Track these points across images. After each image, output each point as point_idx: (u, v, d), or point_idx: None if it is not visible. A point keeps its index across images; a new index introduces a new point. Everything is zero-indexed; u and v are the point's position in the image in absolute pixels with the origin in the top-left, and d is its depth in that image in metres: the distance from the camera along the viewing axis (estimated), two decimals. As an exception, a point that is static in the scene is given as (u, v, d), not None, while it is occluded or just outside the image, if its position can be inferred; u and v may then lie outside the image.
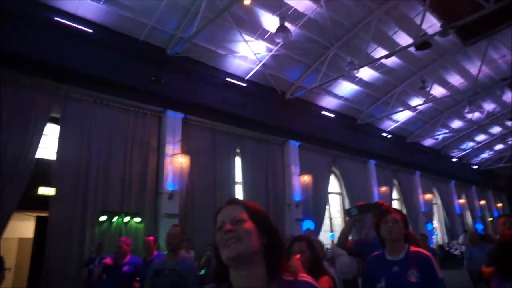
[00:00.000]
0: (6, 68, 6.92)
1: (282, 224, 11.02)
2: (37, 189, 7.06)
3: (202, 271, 6.36)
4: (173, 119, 9.27)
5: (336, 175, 14.41)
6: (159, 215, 8.41)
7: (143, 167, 8.51)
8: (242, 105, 10.59)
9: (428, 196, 18.15)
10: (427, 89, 13.26)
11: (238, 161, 10.82)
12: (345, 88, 13.03)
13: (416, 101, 14.73)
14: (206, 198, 9.42)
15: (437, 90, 14.47)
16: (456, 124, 18.02)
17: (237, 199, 1.11)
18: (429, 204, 18.12)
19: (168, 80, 9.09)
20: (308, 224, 11.40)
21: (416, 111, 15.68)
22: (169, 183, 8.63)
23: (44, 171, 7.31)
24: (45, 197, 7.12)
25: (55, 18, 7.68)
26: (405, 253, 2.07)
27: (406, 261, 2.04)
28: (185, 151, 9.13)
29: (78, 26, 7.96)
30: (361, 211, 2.37)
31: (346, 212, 2.47)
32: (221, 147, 10.30)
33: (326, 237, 12.87)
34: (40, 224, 7.30)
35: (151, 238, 4.49)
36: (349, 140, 13.99)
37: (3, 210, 6.48)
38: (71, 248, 6.99)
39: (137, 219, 7.98)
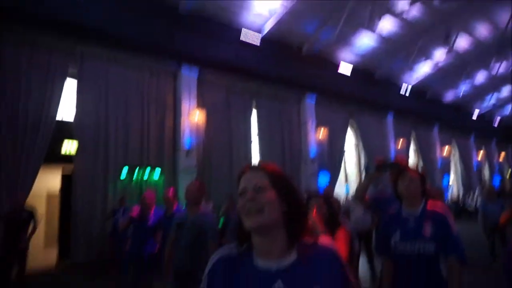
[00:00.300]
0: (23, 27, 6.91)
1: (298, 179, 11.21)
2: (61, 145, 7.31)
3: (221, 220, 6.65)
4: (188, 76, 9.22)
5: (353, 129, 14.28)
6: (178, 170, 8.66)
7: (161, 124, 8.66)
8: (257, 61, 10.37)
9: (445, 150, 17.95)
10: (452, 41, 12.60)
11: (253, 118, 10.82)
12: (364, 41, 12.48)
13: (438, 54, 14.07)
14: (222, 153, 9.60)
15: (462, 42, 13.72)
16: (480, 78, 17.29)
17: (260, 164, 1.09)
18: (447, 159, 17.97)
19: (182, 38, 8.91)
20: (323, 176, 11.54)
21: (438, 65, 15.05)
22: (187, 140, 8.78)
23: (67, 128, 7.52)
24: (69, 154, 7.39)
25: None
26: (421, 210, 2.10)
27: (422, 217, 2.07)
28: (201, 108, 9.16)
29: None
30: (380, 169, 2.38)
31: (365, 169, 2.48)
32: (237, 104, 10.28)
33: (341, 189, 13.05)
34: (66, 178, 7.65)
35: (171, 191, 4.64)
36: (367, 94, 13.67)
37: (30, 165, 6.83)
38: (95, 200, 7.39)
39: (157, 173, 8.25)
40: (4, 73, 6.75)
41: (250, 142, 10.52)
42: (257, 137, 10.74)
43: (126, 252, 4.70)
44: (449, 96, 18.29)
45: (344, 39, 11.68)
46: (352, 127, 14.18)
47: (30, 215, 5.61)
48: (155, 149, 8.42)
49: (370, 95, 13.78)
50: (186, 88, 9.12)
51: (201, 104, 9.35)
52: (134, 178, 8.02)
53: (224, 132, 9.80)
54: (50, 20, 7.10)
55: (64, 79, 7.48)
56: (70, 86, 7.91)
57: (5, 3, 6.58)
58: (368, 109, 14.09)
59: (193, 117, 8.92)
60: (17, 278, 5.35)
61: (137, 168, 8.01)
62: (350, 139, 14.31)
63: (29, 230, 5.54)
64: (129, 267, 4.56)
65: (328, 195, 2.54)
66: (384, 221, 2.24)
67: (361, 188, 2.71)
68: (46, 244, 9.10)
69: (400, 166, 2.33)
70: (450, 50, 13.43)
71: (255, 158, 10.58)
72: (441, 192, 6.90)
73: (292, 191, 1.06)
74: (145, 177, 8.13)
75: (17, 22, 6.87)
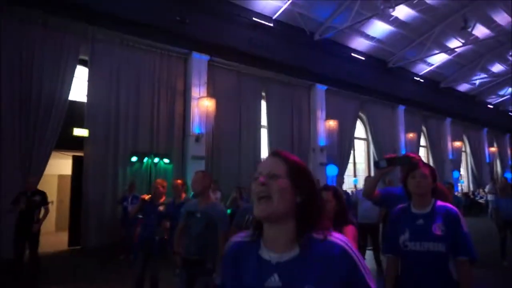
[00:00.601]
0: (35, 9, 6.91)
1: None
2: (72, 130, 7.37)
3: (228, 211, 6.68)
4: (199, 61, 9.15)
5: (362, 120, 14.15)
6: (187, 157, 8.69)
7: (170, 110, 8.65)
8: (268, 47, 10.23)
9: (457, 143, 17.69)
10: (469, 29, 12.26)
11: (263, 104, 10.75)
12: (379, 28, 12.24)
13: (455, 43, 13.74)
14: (231, 140, 9.58)
15: (480, 30, 13.33)
16: (497, 68, 16.87)
17: (281, 151, 1.06)
18: (458, 152, 17.72)
19: (193, 21, 8.80)
20: (331, 169, 11.51)
21: (454, 54, 14.70)
22: (196, 126, 8.78)
23: (78, 113, 7.56)
24: (80, 138, 7.47)
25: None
26: (432, 207, 2.05)
27: (432, 214, 2.02)
28: (211, 94, 9.13)
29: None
30: (390, 163, 2.33)
31: (375, 164, 2.43)
32: (247, 90, 10.20)
33: (349, 181, 13.02)
34: (77, 162, 7.75)
35: (179, 181, 4.66)
36: (379, 84, 13.48)
37: (42, 148, 6.91)
38: (105, 185, 7.47)
39: (166, 160, 8.29)
40: (17, 52, 6.78)
41: (260, 128, 10.49)
42: (266, 123, 10.68)
43: (136, 237, 4.77)
44: (463, 87, 17.92)
45: (359, 25, 11.45)
46: (362, 118, 14.04)
47: (42, 198, 5.70)
48: (164, 135, 8.44)
49: (382, 85, 13.57)
50: (197, 72, 9.07)
51: (211, 89, 9.30)
52: (143, 165, 8.07)
53: (235, 117, 9.77)
54: (63, 1, 7.08)
55: (76, 61, 7.48)
56: (82, 71, 7.91)
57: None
58: (379, 99, 13.90)
59: (203, 102, 8.89)
60: (29, 261, 5.47)
61: (147, 154, 8.04)
62: (360, 131, 14.19)
63: (41, 214, 5.64)
64: (139, 252, 4.62)
65: (336, 187, 2.47)
66: (393, 218, 2.19)
67: (370, 184, 2.67)
68: (57, 227, 9.29)
69: (411, 161, 2.27)
70: (467, 39, 13.08)
71: (264, 145, 10.57)
72: (450, 187, 6.82)
73: (308, 183, 1.02)
74: (154, 164, 8.17)
75: (33, 2, 6.86)
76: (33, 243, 5.55)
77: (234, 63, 9.85)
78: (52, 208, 6.13)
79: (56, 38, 7.22)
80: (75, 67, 7.45)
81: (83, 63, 7.84)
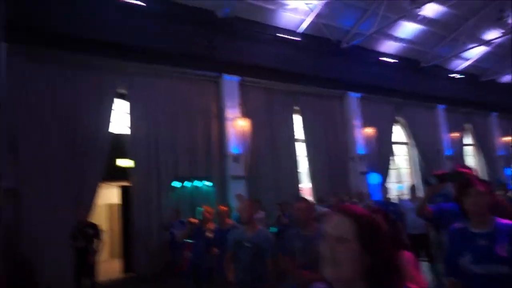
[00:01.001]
0: (73, 52, 7.40)
1: (346, 178, 10.98)
2: (116, 161, 7.77)
3: (274, 229, 6.66)
4: (230, 82, 9.35)
5: (401, 124, 13.71)
6: (227, 178, 8.82)
7: (207, 133, 8.87)
8: (296, 61, 10.29)
9: (507, 138, 16.65)
10: (507, 19, 11.66)
11: (297, 118, 10.74)
12: (407, 28, 11.92)
13: (491, 34, 13.09)
14: (268, 157, 9.63)
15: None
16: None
17: (348, 208, 1.01)
18: (508, 147, 16.66)
19: (221, 44, 9.03)
20: (373, 177, 11.21)
21: (492, 45, 13.99)
22: (233, 146, 8.92)
23: (122, 144, 7.94)
24: (125, 168, 7.86)
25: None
26: (493, 225, 1.93)
27: (494, 234, 1.89)
28: (245, 113, 9.28)
29: (129, 1, 8.09)
30: (441, 180, 2.25)
31: (425, 182, 2.36)
32: (279, 106, 10.27)
33: (394, 189, 12.59)
34: (124, 192, 8.12)
35: (224, 208, 4.72)
36: (414, 86, 13.07)
37: (91, 181, 7.29)
38: (151, 212, 7.72)
39: (207, 183, 8.49)
40: (61, 93, 7.28)
41: (294, 142, 10.45)
42: (304, 137, 10.64)
43: (186, 261, 4.87)
44: (506, 78, 16.94)
45: (386, 28, 11.24)
46: (400, 122, 13.62)
47: (95, 231, 6.01)
48: (203, 158, 8.65)
49: (417, 86, 13.15)
50: (229, 93, 9.27)
51: (244, 108, 9.44)
52: (185, 189, 8.29)
53: (269, 136, 9.82)
54: (99, 42, 7.56)
55: (114, 96, 7.92)
56: (121, 104, 8.34)
57: (59, 29, 7.12)
58: (416, 101, 13.44)
59: (238, 122, 9.04)
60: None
61: (187, 178, 8.27)
62: (399, 135, 13.76)
63: (95, 245, 5.94)
64: (189, 278, 4.71)
65: (387, 213, 2.36)
66: (451, 238, 2.09)
67: (422, 202, 2.58)
68: (110, 255, 9.66)
69: (463, 177, 2.18)
70: (506, 29, 12.42)
71: (301, 159, 10.52)
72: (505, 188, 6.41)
73: (381, 243, 0.96)
74: (196, 188, 8.37)
75: (71, 46, 7.35)
76: (91, 274, 5.83)
77: (265, 81, 9.96)
78: (104, 236, 6.42)
79: (95, 76, 7.71)
80: (114, 102, 7.88)
81: (122, 96, 8.26)
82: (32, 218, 6.52)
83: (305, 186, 10.57)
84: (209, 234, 4.45)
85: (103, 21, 7.69)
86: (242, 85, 9.58)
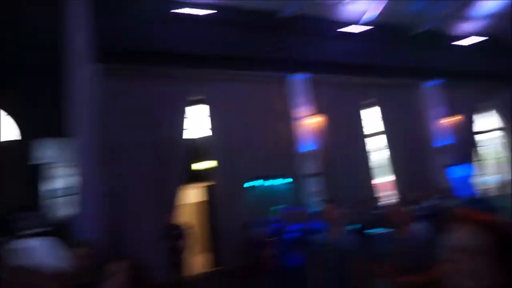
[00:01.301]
0: (153, 65, 8.04)
1: (427, 172, 10.40)
2: (198, 164, 8.44)
3: (358, 226, 6.53)
4: (300, 80, 9.39)
5: (495, 108, 12.44)
6: (303, 176, 8.91)
7: (281, 131, 9.07)
8: (366, 52, 9.96)
9: None
10: None
11: (369, 112, 10.48)
12: (488, 4, 10.72)
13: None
14: (343, 153, 9.51)
15: None
16: None
17: (481, 220, 0.88)
18: None
19: (288, 43, 9.13)
20: (459, 170, 10.42)
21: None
22: (307, 144, 8.99)
23: (201, 147, 8.57)
24: (207, 169, 8.50)
25: (172, 10, 8.33)
26: None
27: None
28: (317, 110, 9.24)
29: (198, 13, 8.53)
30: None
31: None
32: (351, 100, 10.09)
33: (482, 181, 11.48)
34: (209, 191, 8.80)
35: (301, 210, 4.74)
36: (501, 67, 11.76)
37: (174, 185, 7.88)
38: (234, 210, 8.09)
39: (284, 181, 8.72)
40: (148, 106, 7.94)
41: (367, 136, 10.29)
42: (383, 129, 10.45)
43: (268, 259, 5.02)
44: None
45: (459, 9, 10.33)
46: (490, 107, 12.39)
47: (180, 230, 6.54)
48: (279, 157, 8.85)
49: (504, 67, 11.82)
50: (299, 91, 9.34)
51: (316, 104, 9.40)
52: (262, 188, 8.58)
53: (342, 131, 9.68)
54: (176, 54, 8.11)
55: (193, 102, 8.53)
56: (199, 110, 8.90)
57: (142, 46, 7.81)
58: (506, 83, 12.10)
59: (310, 120, 9.09)
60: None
61: (266, 177, 8.59)
62: (488, 122, 12.54)
63: (182, 244, 6.46)
64: (274, 276, 4.85)
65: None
66: None
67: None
68: (199, 250, 10.31)
69: None
70: None
71: (378, 154, 10.20)
72: None
73: None
74: (272, 186, 8.62)
75: (152, 60, 8.00)
76: (179, 270, 6.35)
77: (335, 76, 9.80)
78: (192, 233, 6.93)
79: (175, 85, 8.33)
80: (192, 108, 8.51)
81: (199, 102, 8.77)
82: (129, 220, 7.25)
83: (382, 181, 10.23)
84: (289, 234, 4.50)
85: (177, 35, 8.18)
86: (312, 82, 9.52)
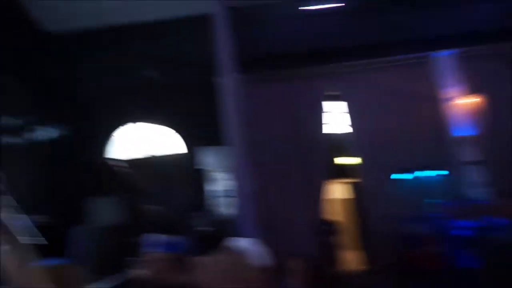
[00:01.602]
0: (289, 68, 8.34)
1: None
2: (340, 159, 8.58)
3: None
4: (445, 58, 8.32)
5: None
6: (459, 165, 7.93)
7: (429, 118, 8.24)
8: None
9: None
10: None
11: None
12: None
13: None
14: (509, 137, 8.02)
15: None
16: None
17: None
18: None
19: (424, 20, 8.20)
20: None
21: None
22: (463, 129, 8.05)
23: (343, 143, 8.68)
24: (351, 165, 8.55)
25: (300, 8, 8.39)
26: None
27: None
28: (473, 89, 8.10)
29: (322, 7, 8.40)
30: None
31: None
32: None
33: None
34: (355, 187, 8.79)
35: (472, 204, 4.24)
36: None
37: (318, 181, 8.06)
38: (384, 207, 7.74)
39: (438, 172, 7.99)
40: (288, 107, 8.33)
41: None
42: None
43: (438, 261, 4.66)
44: None
45: None
46: None
47: (330, 226, 6.61)
48: (431, 146, 8.11)
49: None
50: (446, 70, 8.30)
51: (470, 83, 8.22)
52: (413, 181, 8.03)
53: (507, 111, 8.18)
54: (308, 53, 8.29)
55: (329, 100, 8.60)
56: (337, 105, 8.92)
57: (276, 50, 8.16)
58: None
59: (464, 101, 8.11)
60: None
61: (416, 169, 8.04)
62: None
63: (335, 240, 6.51)
64: (444, 276, 4.48)
65: None
66: None
67: None
68: (349, 247, 10.25)
69: None
70: None
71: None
72: None
73: None
74: (424, 178, 7.96)
75: (286, 63, 8.34)
76: (332, 266, 6.42)
77: (491, 48, 8.34)
78: (342, 229, 6.95)
79: (310, 83, 8.49)
80: (330, 103, 8.60)
81: (336, 98, 8.74)
82: (280, 217, 7.60)
83: None
84: (456, 231, 4.10)
85: (307, 33, 8.25)
86: (463, 57, 8.35)
